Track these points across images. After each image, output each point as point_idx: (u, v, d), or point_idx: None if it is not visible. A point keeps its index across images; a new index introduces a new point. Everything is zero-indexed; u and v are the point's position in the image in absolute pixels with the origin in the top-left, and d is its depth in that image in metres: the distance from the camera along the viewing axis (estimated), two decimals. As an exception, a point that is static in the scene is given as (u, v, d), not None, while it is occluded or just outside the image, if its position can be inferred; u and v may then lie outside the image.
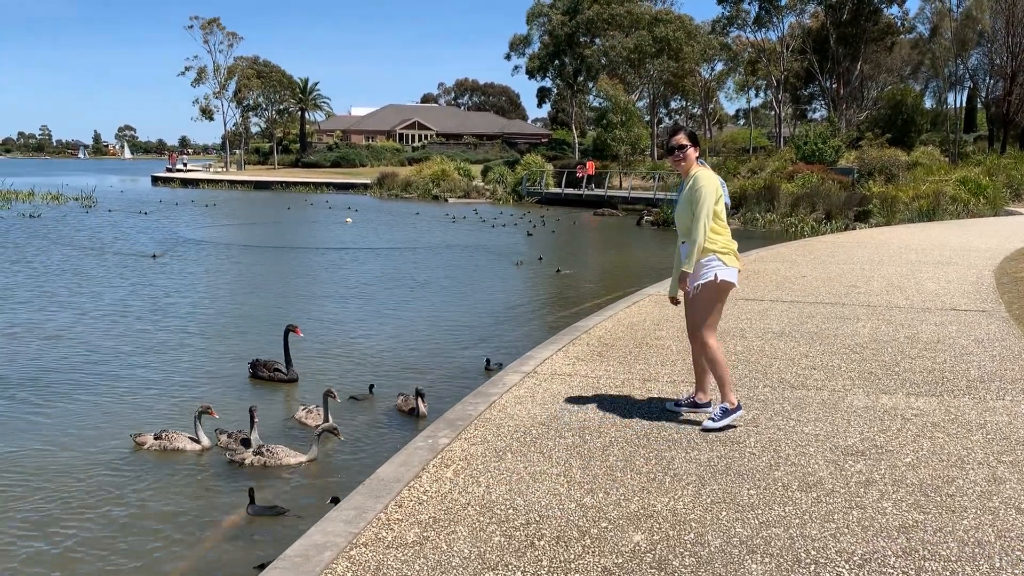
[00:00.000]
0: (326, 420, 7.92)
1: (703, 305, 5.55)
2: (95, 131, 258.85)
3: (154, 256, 15.39)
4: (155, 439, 7.27)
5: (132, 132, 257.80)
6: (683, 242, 5.66)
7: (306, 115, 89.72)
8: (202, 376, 9.48)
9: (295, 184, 61.36)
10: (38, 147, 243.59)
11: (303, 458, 6.89)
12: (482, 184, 52.56)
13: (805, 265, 14.45)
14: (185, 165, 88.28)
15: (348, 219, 33.66)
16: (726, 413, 5.57)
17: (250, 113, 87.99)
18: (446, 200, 48.67)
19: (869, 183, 33.24)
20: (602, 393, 6.42)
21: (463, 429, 5.57)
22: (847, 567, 3.69)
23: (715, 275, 5.45)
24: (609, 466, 4.90)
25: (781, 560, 3.76)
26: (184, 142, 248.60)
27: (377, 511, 4.29)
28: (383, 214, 37.13)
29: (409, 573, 3.66)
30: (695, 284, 5.51)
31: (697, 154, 5.63)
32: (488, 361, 9.83)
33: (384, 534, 4.05)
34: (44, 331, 11.67)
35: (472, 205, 45.73)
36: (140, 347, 10.79)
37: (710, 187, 5.42)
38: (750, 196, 35.30)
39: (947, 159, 45.46)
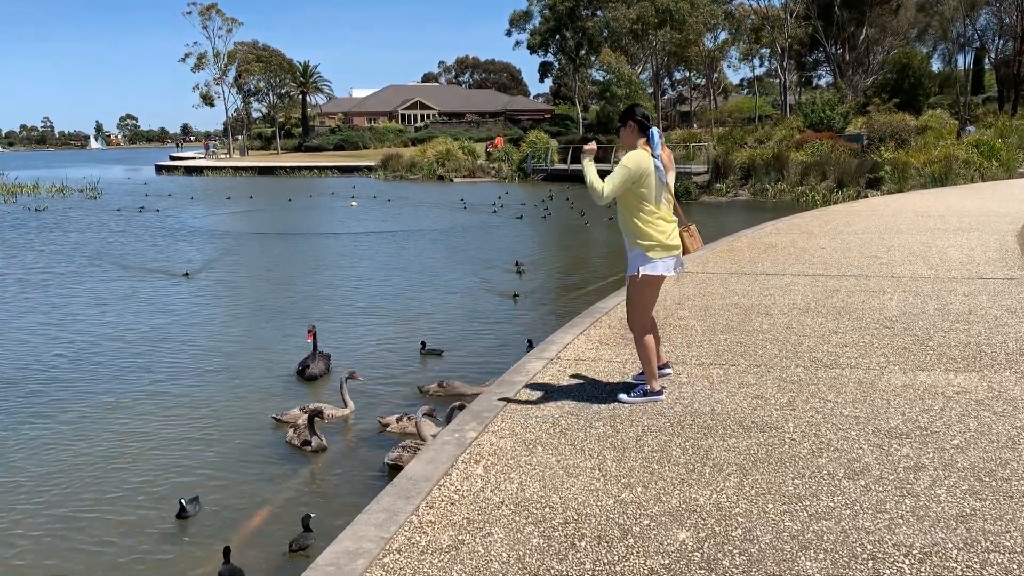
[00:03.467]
0: (345, 404, 7.79)
1: (630, 297, 5.62)
2: (97, 121, 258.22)
3: (186, 275, 15.21)
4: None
5: (134, 121, 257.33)
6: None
7: (307, 99, 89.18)
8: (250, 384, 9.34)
9: (299, 169, 61.07)
10: (41, 139, 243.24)
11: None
12: (487, 163, 52.18)
13: (823, 236, 14.19)
14: (213, 152, 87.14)
15: (353, 203, 33.42)
16: (645, 395, 5.67)
17: (251, 98, 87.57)
18: (451, 180, 48.35)
19: (880, 149, 32.76)
20: (627, 378, 6.23)
21: (490, 421, 5.39)
22: (908, 562, 3.51)
23: (638, 270, 5.48)
24: (645, 457, 4.72)
25: (836, 556, 3.57)
26: (186, 129, 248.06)
27: (408, 513, 4.12)
28: (401, 203, 36.81)
29: (447, 581, 3.49)
30: (627, 275, 5.65)
31: (637, 131, 5.43)
32: (423, 345, 9.72)
33: (418, 538, 3.87)
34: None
35: (477, 184, 45.43)
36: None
37: (628, 163, 5.30)
38: (759, 166, 34.94)
39: (957, 122, 44.84)
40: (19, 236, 23.21)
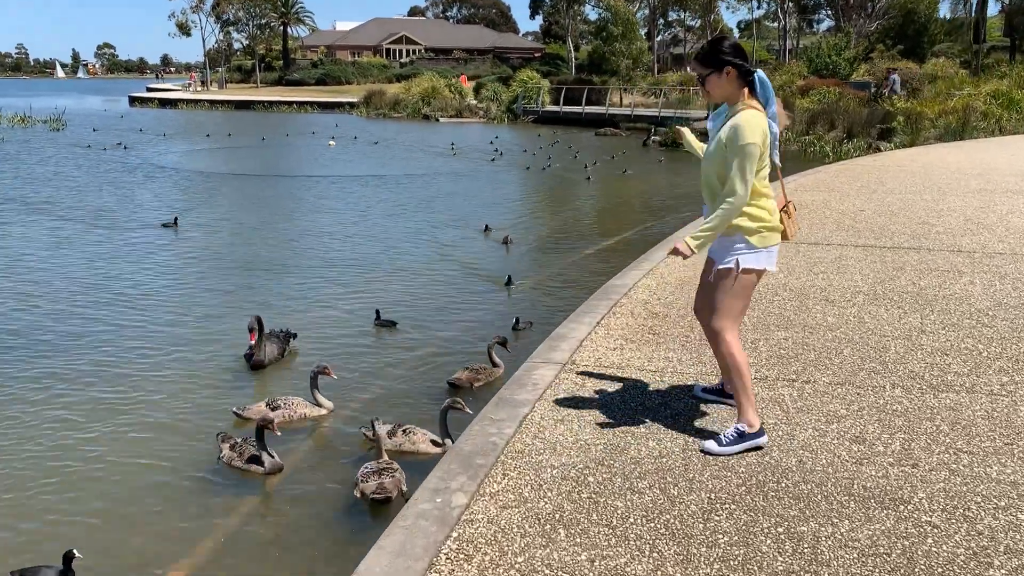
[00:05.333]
0: (318, 403, 6.19)
1: (719, 293, 4.02)
2: (73, 49, 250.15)
3: (174, 223, 13.34)
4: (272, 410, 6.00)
5: (112, 51, 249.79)
6: (705, 204, 4.07)
7: (289, 30, 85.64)
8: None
9: (278, 103, 58.46)
10: (15, 67, 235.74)
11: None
12: (475, 102, 49.87)
13: (856, 196, 12.55)
14: (202, 84, 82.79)
15: (331, 142, 31.38)
16: (742, 437, 3.98)
17: (230, 28, 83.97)
18: (437, 120, 46.11)
19: (893, 98, 30.93)
20: (671, 400, 4.63)
21: (487, 475, 3.79)
22: None
23: (735, 262, 3.90)
24: (722, 556, 3.14)
25: None
26: (166, 60, 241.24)
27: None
28: (386, 145, 34.72)
29: None
30: (716, 267, 4.00)
31: (737, 78, 3.74)
32: (517, 320, 8.12)
33: None
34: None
35: (465, 125, 43.30)
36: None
37: (754, 137, 3.65)
38: (762, 113, 33.09)
39: (966, 71, 42.94)
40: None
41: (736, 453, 3.93)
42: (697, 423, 4.33)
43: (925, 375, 4.98)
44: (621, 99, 46.39)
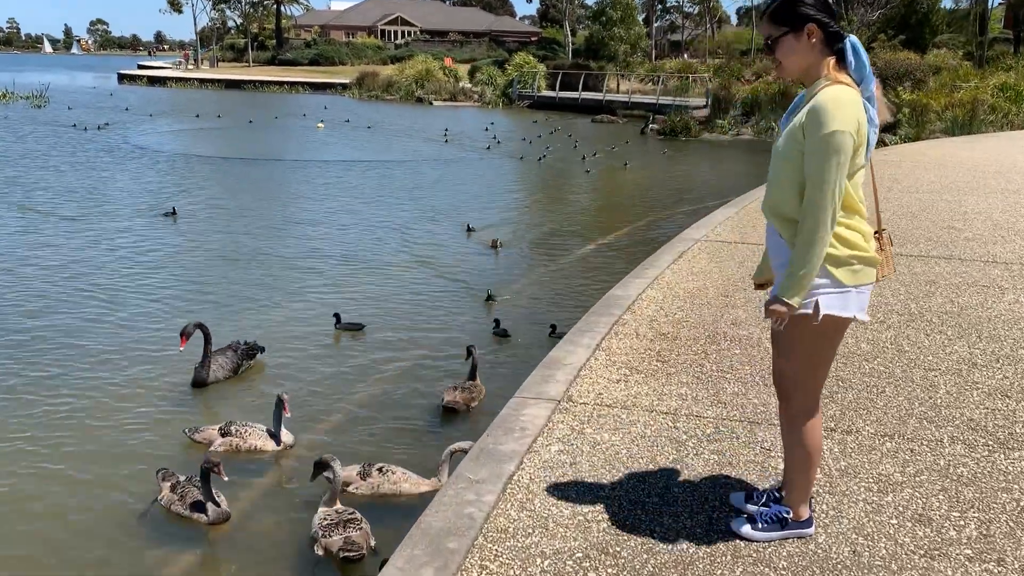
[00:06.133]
0: (278, 431, 5.38)
1: (796, 347, 2.92)
2: (65, 25, 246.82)
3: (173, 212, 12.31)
4: (223, 435, 5.35)
5: (105, 27, 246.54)
6: (771, 223, 2.94)
7: (282, 9, 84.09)
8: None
9: (269, 83, 57.28)
10: (6, 41, 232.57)
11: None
12: (469, 86, 48.83)
13: (871, 195, 11.72)
14: (192, 63, 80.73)
15: (320, 124, 30.42)
16: (783, 524, 3.14)
17: (223, 5, 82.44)
18: (431, 103, 45.10)
19: (898, 89, 30.09)
20: (689, 456, 3.83)
21: (460, 566, 2.98)
22: None
23: (814, 304, 2.79)
24: None
25: None
26: (159, 38, 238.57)
27: None
28: (378, 130, 33.78)
29: None
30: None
31: (822, 43, 2.72)
32: (497, 323, 7.44)
33: None
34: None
35: (459, 109, 42.33)
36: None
37: (845, 123, 2.61)
38: (763, 101, 32.18)
39: (969, 63, 42.08)
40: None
41: (775, 540, 3.14)
42: (724, 491, 3.54)
43: (988, 425, 4.19)
44: (618, 85, 45.42)
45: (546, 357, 5.12)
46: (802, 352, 2.90)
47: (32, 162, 18.28)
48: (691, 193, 16.73)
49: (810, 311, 2.79)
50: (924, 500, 3.45)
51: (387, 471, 4.90)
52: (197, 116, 32.53)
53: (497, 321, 7.66)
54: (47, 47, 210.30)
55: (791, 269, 2.72)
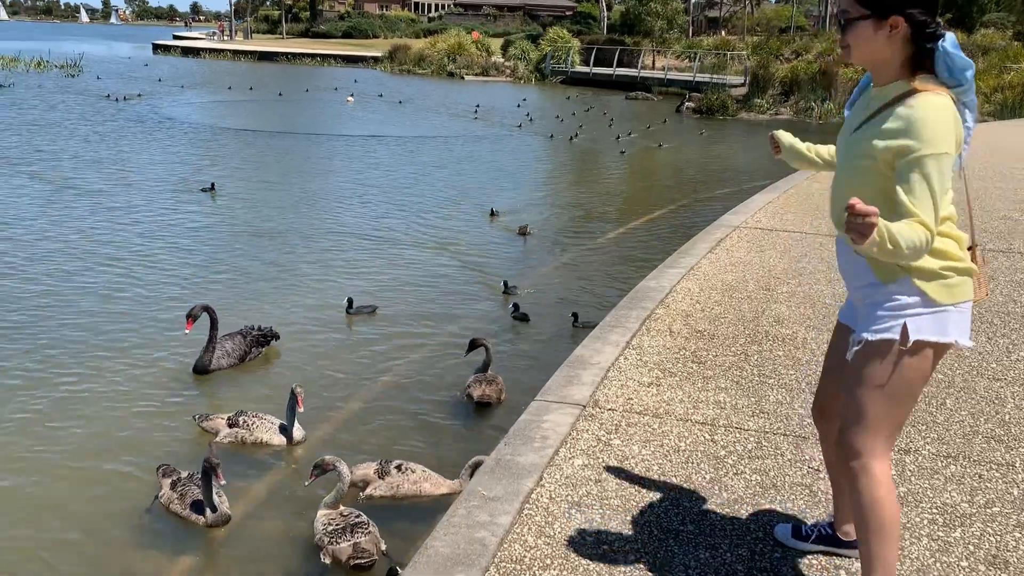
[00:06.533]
0: (290, 426, 5.06)
1: (868, 386, 2.35)
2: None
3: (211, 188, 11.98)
4: (230, 426, 5.08)
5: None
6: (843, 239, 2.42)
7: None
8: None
9: (301, 56, 57.00)
10: (46, 10, 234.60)
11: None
12: (502, 60, 48.18)
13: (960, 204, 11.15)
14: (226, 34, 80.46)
15: (350, 98, 30.10)
16: None
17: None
18: (462, 78, 44.56)
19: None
20: (728, 475, 3.45)
21: (467, 605, 2.65)
22: None
23: (901, 328, 2.29)
24: None
25: None
26: (196, 8, 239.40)
27: None
28: (409, 106, 33.38)
29: None
30: (860, 336, 2.37)
31: (907, 40, 2.24)
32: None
33: None
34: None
35: (491, 84, 41.77)
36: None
37: (947, 144, 2.16)
38: (803, 81, 31.34)
39: (1020, 43, 40.63)
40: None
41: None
42: (767, 516, 3.16)
43: (1064, 447, 3.75)
44: (654, 61, 44.57)
45: (571, 355, 4.74)
46: (881, 388, 2.32)
47: (61, 131, 18.15)
48: (728, 175, 16.20)
49: (895, 336, 2.27)
50: (998, 537, 3.04)
51: (407, 469, 4.56)
52: (229, 88, 32.31)
53: (516, 305, 7.30)
54: (84, 17, 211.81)
55: (894, 236, 2.05)
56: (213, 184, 12.30)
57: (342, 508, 4.21)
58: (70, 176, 13.07)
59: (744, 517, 3.15)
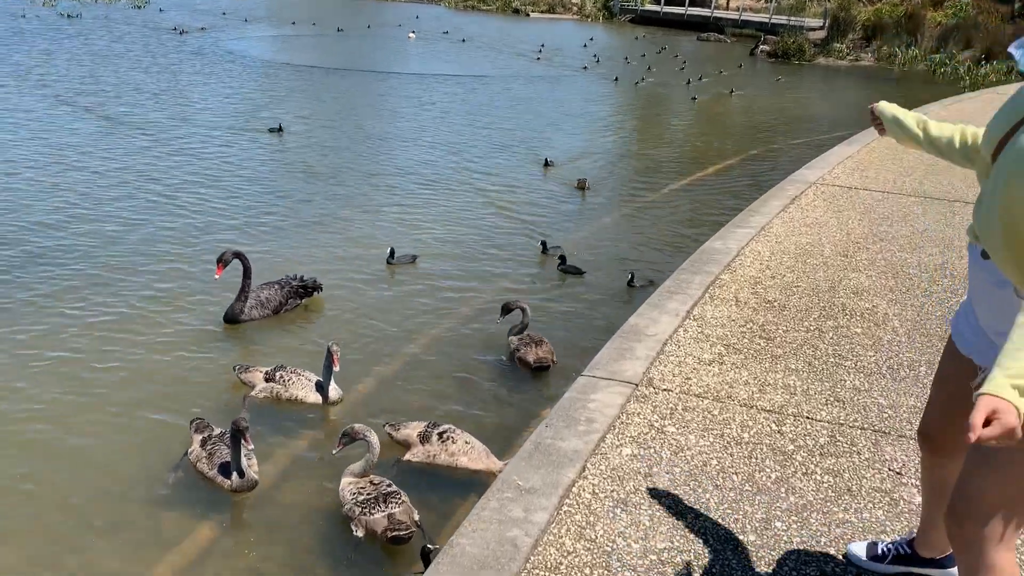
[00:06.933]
0: (326, 385, 4.80)
1: (1013, 459, 1.74)
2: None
3: (279, 129, 11.71)
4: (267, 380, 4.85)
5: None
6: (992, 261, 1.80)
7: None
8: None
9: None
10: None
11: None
12: (569, -3, 46.80)
13: None
14: None
15: (412, 35, 29.53)
16: None
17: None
18: (527, 15, 43.44)
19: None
20: (795, 475, 3.06)
21: (492, 622, 2.34)
22: None
23: None
24: None
25: None
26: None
27: None
28: (473, 43, 32.72)
29: None
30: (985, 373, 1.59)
31: None
32: (632, 277, 6.56)
33: None
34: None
35: (557, 22, 40.65)
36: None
37: None
38: (886, 25, 29.71)
39: None
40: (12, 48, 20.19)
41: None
42: (839, 527, 2.77)
43: None
44: (728, 1, 42.75)
45: (624, 325, 4.35)
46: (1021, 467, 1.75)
47: (123, 63, 18.09)
48: (804, 125, 15.36)
49: None
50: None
51: (448, 439, 4.24)
52: (292, 23, 31.99)
53: (563, 257, 6.86)
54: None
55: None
56: (280, 125, 11.99)
57: (372, 476, 3.95)
58: (128, 110, 12.96)
59: (814, 527, 2.77)
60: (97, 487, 4.02)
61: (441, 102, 15.72)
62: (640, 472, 3.04)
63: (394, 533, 3.64)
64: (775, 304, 4.66)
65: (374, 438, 3.96)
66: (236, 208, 8.32)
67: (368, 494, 3.83)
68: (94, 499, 3.94)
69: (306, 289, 5.94)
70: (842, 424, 3.41)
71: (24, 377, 4.89)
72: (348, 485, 3.92)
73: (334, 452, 4.03)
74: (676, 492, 2.93)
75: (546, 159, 10.73)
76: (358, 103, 15.28)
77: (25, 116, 11.82)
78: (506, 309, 5.51)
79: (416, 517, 3.79)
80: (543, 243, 7.31)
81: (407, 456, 4.26)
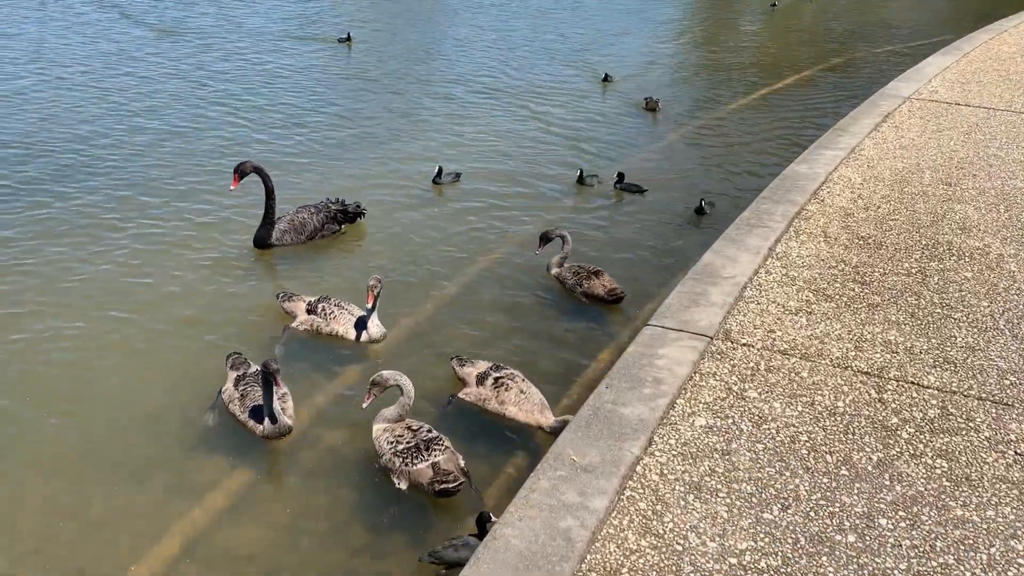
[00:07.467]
0: (366, 320, 4.42)
1: None
2: None
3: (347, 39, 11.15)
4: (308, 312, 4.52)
5: None
6: None
7: None
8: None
9: None
10: None
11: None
12: None
13: None
14: None
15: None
16: None
17: None
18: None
19: None
20: (900, 455, 2.59)
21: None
22: None
23: None
24: None
25: None
26: None
27: None
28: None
29: None
30: None
31: None
32: (702, 203, 5.91)
33: None
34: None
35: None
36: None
37: None
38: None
39: None
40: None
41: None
42: (958, 528, 2.31)
43: None
44: None
45: (697, 264, 3.84)
46: None
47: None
48: (893, 31, 14.11)
49: None
50: None
51: (503, 384, 3.81)
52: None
53: (621, 175, 6.26)
54: None
55: None
56: (349, 34, 11.39)
57: (409, 421, 3.59)
58: (179, 19, 12.51)
59: (927, 526, 2.31)
60: (126, 424, 3.76)
61: (503, 2, 14.87)
62: (716, 449, 2.60)
63: (442, 485, 3.28)
64: (870, 241, 4.09)
65: (406, 382, 3.58)
66: (286, 118, 7.87)
67: (408, 442, 3.48)
68: (123, 438, 3.68)
69: (346, 214, 5.52)
70: (955, 392, 2.91)
71: (56, 292, 4.64)
72: (383, 433, 3.56)
73: (363, 405, 3.65)
74: (759, 477, 2.49)
75: (605, 74, 9.90)
76: (427, 5, 14.53)
77: (76, 20, 11.50)
78: (544, 239, 4.99)
79: (462, 464, 3.43)
80: (580, 171, 6.57)
81: (461, 393, 3.90)
